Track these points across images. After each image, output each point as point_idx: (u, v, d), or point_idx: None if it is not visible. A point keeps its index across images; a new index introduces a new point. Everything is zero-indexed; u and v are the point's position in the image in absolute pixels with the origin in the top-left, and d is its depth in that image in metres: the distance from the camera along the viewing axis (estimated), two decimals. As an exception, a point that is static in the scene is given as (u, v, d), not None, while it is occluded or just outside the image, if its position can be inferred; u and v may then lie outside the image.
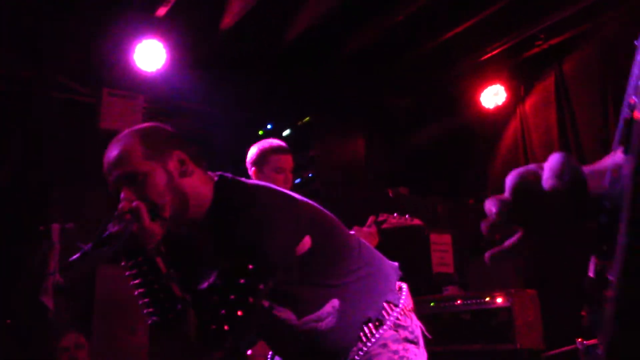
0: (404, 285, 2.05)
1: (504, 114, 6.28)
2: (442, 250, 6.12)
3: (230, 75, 5.57)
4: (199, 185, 1.82)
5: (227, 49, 5.33)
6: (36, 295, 3.78)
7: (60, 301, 4.03)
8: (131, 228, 1.67)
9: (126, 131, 1.84)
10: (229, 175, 1.89)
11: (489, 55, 5.73)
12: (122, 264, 1.74)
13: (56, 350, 4.28)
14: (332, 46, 5.55)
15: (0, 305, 4.70)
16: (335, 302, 1.87)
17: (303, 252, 1.81)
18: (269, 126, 6.20)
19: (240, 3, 4.79)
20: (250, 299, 1.67)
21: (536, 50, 5.63)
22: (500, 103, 6.15)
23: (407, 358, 1.88)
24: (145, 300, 1.70)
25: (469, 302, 5.12)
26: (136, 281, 1.71)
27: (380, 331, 1.88)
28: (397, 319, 1.91)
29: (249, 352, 3.28)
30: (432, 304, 5.40)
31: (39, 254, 3.95)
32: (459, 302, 5.19)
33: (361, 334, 1.88)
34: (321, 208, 1.99)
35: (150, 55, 5.13)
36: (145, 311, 1.71)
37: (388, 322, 1.89)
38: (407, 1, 4.87)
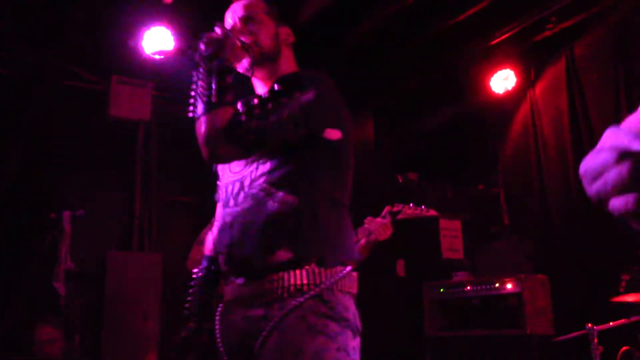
0: (348, 268, 1.87)
1: (514, 98, 6.25)
2: (451, 236, 6.12)
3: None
4: (289, 57, 2.13)
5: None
6: (48, 281, 3.81)
7: (72, 287, 4.07)
8: (224, 40, 1.87)
9: None
10: None
11: (499, 39, 5.68)
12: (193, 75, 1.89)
13: (33, 343, 4.24)
14: (341, 30, 5.53)
15: (12, 292, 4.74)
16: (294, 201, 1.81)
17: (327, 138, 1.89)
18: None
19: (248, -11, 4.77)
20: (285, 114, 1.77)
21: (547, 34, 5.57)
22: (510, 88, 6.11)
23: (326, 334, 1.72)
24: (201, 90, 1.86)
25: (478, 287, 5.13)
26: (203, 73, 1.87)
27: (300, 299, 1.74)
28: (323, 290, 1.77)
29: None
30: (441, 290, 5.41)
31: (50, 240, 3.98)
32: (468, 287, 5.20)
33: (283, 274, 1.77)
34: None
35: (158, 41, 5.12)
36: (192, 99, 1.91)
37: (312, 292, 1.75)
38: (416, -15, 4.83)
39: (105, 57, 5.50)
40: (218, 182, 2.11)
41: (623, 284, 4.10)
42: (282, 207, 1.81)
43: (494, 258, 5.59)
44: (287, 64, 2.10)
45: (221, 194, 2.03)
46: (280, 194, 1.82)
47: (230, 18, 2.11)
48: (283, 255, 1.78)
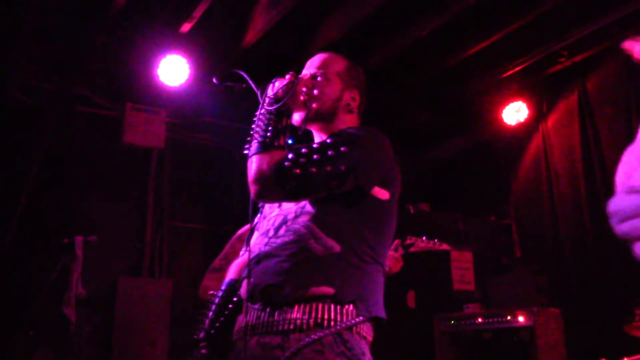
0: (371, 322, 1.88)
1: (526, 130, 6.25)
2: (463, 267, 6.07)
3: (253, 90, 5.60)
4: (350, 123, 2.15)
5: (249, 65, 5.36)
6: (58, 308, 3.81)
7: (82, 313, 4.06)
8: (291, 87, 1.96)
9: (343, 56, 2.28)
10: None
11: (512, 71, 5.71)
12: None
13: None
14: (355, 60, 5.57)
15: (22, 317, 4.74)
16: (336, 247, 1.83)
17: (375, 196, 1.92)
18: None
19: (263, 20, 4.83)
20: (329, 168, 1.79)
21: (559, 67, 5.60)
22: (522, 120, 6.11)
23: None
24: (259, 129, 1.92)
25: (490, 320, 5.07)
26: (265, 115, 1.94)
27: (320, 333, 1.73)
28: (344, 330, 1.75)
29: None
30: (452, 322, 5.35)
31: (61, 265, 3.98)
32: (480, 320, 5.14)
33: (307, 307, 1.76)
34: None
35: (174, 70, 5.18)
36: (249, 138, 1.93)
37: (332, 329, 1.74)
38: (431, 16, 4.87)
39: (120, 83, 5.57)
40: (261, 212, 2.13)
41: (637, 317, 4.05)
42: (325, 251, 1.83)
43: (505, 290, 5.54)
44: (344, 126, 2.11)
45: (261, 224, 2.04)
46: (325, 238, 1.84)
47: (306, 68, 2.19)
48: (322, 290, 1.78)
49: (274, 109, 1.91)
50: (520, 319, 4.86)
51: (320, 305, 1.76)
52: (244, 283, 1.92)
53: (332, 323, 1.75)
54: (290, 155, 1.81)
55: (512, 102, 6.10)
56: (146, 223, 5.81)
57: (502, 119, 6.18)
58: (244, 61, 5.23)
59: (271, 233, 1.93)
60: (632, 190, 0.76)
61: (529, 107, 6.08)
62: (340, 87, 2.14)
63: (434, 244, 3.61)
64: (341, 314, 1.77)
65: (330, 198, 1.88)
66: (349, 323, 1.76)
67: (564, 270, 5.59)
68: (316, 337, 1.72)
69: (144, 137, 5.57)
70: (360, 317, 1.79)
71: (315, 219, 1.87)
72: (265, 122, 1.90)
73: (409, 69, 5.80)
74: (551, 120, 6.09)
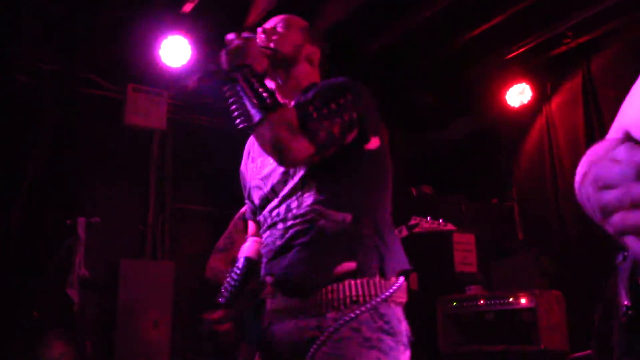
0: (401, 279, 1.84)
1: (529, 112, 6.22)
2: (465, 249, 6.08)
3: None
4: (313, 76, 2.10)
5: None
6: (62, 289, 3.82)
7: (86, 295, 4.08)
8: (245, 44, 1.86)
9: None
10: None
11: (515, 53, 5.68)
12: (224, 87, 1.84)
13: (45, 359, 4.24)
14: (357, 43, 5.54)
15: (26, 298, 4.76)
16: (348, 217, 1.79)
17: (369, 149, 1.87)
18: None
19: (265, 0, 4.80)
20: (342, 118, 1.76)
21: (563, 48, 5.56)
22: (525, 101, 6.09)
23: (380, 349, 1.68)
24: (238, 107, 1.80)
25: (492, 302, 5.08)
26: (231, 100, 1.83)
27: (357, 310, 1.70)
28: (380, 303, 1.73)
29: None
30: (454, 304, 5.36)
31: (65, 247, 3.99)
32: (482, 302, 5.15)
33: (339, 286, 1.74)
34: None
35: (175, 51, 5.15)
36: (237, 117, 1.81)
37: (368, 304, 1.71)
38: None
39: (121, 65, 5.54)
40: (264, 208, 2.03)
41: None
42: (336, 225, 1.78)
43: (508, 272, 5.55)
44: (308, 79, 2.06)
45: (267, 219, 1.96)
46: (332, 212, 1.79)
47: (265, 24, 2.13)
48: (345, 267, 1.75)
49: (248, 72, 1.79)
50: (523, 300, 4.87)
51: (347, 283, 1.73)
52: (267, 279, 1.90)
53: (368, 298, 1.72)
54: (302, 111, 1.75)
55: (516, 84, 6.07)
56: (148, 205, 5.81)
57: (505, 101, 6.16)
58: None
59: (280, 226, 1.88)
60: (612, 159, 0.73)
61: (532, 89, 6.06)
62: (301, 38, 2.09)
63: (439, 224, 3.61)
64: (370, 286, 1.74)
65: (326, 167, 1.82)
66: (383, 296, 1.73)
67: (566, 252, 5.60)
68: (353, 315, 1.70)
69: (146, 119, 5.55)
70: (392, 288, 1.76)
71: (318, 197, 1.81)
72: (251, 87, 1.77)
73: (412, 51, 5.77)
74: (555, 102, 6.07)
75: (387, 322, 1.72)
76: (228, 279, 2.08)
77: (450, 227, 3.64)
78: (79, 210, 4.64)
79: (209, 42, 5.32)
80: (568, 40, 5.44)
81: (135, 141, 5.83)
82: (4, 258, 4.76)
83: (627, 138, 0.96)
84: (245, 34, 1.90)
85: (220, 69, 1.86)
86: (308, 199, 1.83)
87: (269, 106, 1.73)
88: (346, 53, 5.61)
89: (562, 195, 5.77)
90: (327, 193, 1.82)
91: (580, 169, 0.88)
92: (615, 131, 1.02)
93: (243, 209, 3.21)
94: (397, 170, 1.95)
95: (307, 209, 1.82)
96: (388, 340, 1.70)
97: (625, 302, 0.86)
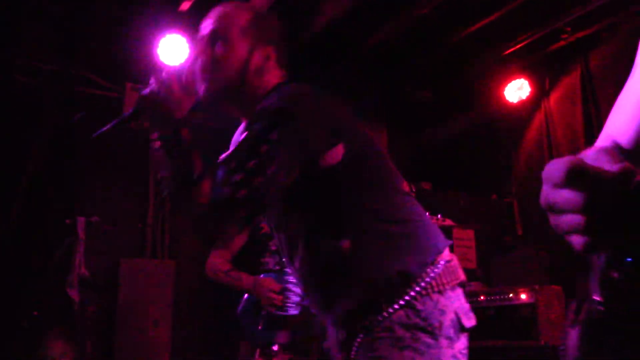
0: (443, 261, 1.65)
1: (528, 108, 6.22)
2: (465, 245, 6.08)
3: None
4: (267, 82, 1.80)
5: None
6: (62, 288, 3.82)
7: (86, 294, 4.08)
8: (159, 92, 1.63)
9: (249, 3, 1.87)
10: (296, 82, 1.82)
11: (514, 49, 5.67)
12: (151, 135, 1.67)
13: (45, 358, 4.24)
14: (356, 39, 5.53)
15: (26, 298, 4.76)
16: (346, 243, 1.63)
17: (334, 162, 1.62)
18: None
19: (262, -3, 4.79)
20: (272, 168, 1.49)
21: (562, 43, 5.56)
22: (524, 97, 6.09)
23: (416, 349, 1.55)
24: (165, 167, 1.63)
25: (492, 297, 5.08)
26: (158, 147, 1.65)
27: (389, 309, 1.58)
28: (415, 298, 1.58)
29: (276, 347, 3.29)
30: (454, 300, 5.37)
31: (64, 247, 3.99)
32: (482, 297, 5.16)
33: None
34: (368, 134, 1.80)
35: (174, 49, 5.15)
36: (162, 180, 1.65)
37: (401, 301, 1.58)
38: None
39: (119, 64, 5.54)
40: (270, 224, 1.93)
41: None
42: (343, 254, 1.63)
43: (507, 268, 5.55)
44: (265, 86, 1.80)
45: (278, 243, 1.87)
46: (334, 244, 1.64)
47: (202, 28, 1.84)
48: (344, 305, 1.66)
49: (166, 130, 1.60)
50: (522, 296, 4.87)
51: (375, 299, 1.61)
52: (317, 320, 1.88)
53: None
54: (220, 177, 1.53)
55: (514, 79, 6.06)
56: (148, 204, 5.81)
57: (504, 97, 6.15)
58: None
59: (294, 265, 1.78)
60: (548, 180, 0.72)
61: (531, 84, 6.05)
62: (246, 46, 1.77)
63: (437, 219, 3.61)
64: (398, 291, 1.60)
65: (296, 203, 1.67)
66: (413, 292, 1.59)
67: (566, 247, 5.59)
68: (386, 314, 1.58)
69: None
70: (416, 289, 1.59)
71: (306, 228, 1.69)
72: (165, 157, 1.60)
73: (410, 48, 5.76)
74: (553, 98, 6.07)
75: (424, 319, 1.57)
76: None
77: (449, 222, 3.64)
78: (78, 210, 4.65)
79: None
80: (566, 35, 5.43)
81: (134, 140, 5.82)
82: (3, 258, 4.76)
83: (614, 147, 0.96)
84: (165, 73, 1.66)
85: (137, 114, 1.68)
86: (301, 239, 1.73)
87: (179, 182, 1.60)
88: (343, 51, 5.61)
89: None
90: (313, 222, 1.70)
91: None
92: (602, 139, 1.03)
93: None
94: (396, 167, 1.87)
95: (305, 250, 1.74)
96: (425, 337, 1.56)
97: (596, 298, 0.86)
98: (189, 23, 5.14)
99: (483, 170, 6.82)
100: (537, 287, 4.84)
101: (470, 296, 5.25)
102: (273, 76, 1.83)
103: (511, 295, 4.95)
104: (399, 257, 1.63)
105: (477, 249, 6.19)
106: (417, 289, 1.59)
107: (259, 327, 3.48)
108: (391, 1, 5.02)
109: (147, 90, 1.66)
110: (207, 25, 1.81)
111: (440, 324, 1.58)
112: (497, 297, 5.04)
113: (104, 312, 5.12)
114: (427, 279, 1.61)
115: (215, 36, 1.77)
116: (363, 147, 1.72)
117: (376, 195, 1.69)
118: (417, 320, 1.57)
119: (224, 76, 1.76)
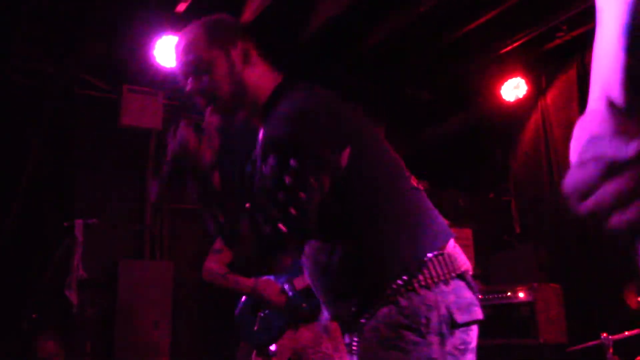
0: (431, 254, 1.62)
1: (525, 107, 6.24)
2: (463, 244, 6.06)
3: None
4: (261, 77, 1.83)
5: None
6: (61, 290, 3.82)
7: (85, 296, 4.07)
8: (183, 145, 1.68)
9: (193, 23, 1.91)
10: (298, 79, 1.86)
11: (510, 47, 5.68)
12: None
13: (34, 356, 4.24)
14: (353, 38, 5.54)
15: (25, 300, 4.76)
16: (351, 244, 1.65)
17: (342, 166, 1.64)
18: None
19: (259, -2, 4.79)
20: (302, 195, 1.46)
21: (558, 42, 5.57)
22: (521, 96, 6.10)
23: (401, 348, 1.53)
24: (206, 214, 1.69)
25: (490, 296, 5.09)
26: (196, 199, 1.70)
27: (376, 306, 1.58)
28: (400, 294, 1.57)
29: (273, 347, 3.29)
30: (453, 299, 5.38)
31: (63, 249, 3.99)
32: (480, 296, 5.17)
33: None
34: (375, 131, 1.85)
35: (170, 51, 5.14)
36: (208, 225, 1.70)
37: (380, 299, 1.58)
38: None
39: (116, 66, 5.53)
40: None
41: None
42: (345, 261, 1.66)
43: (505, 267, 5.56)
44: (256, 91, 1.82)
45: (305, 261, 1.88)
46: (337, 247, 1.67)
47: (180, 71, 1.88)
48: (350, 306, 1.66)
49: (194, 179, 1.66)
50: (521, 294, 4.88)
51: (380, 299, 1.61)
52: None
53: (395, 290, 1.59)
54: (257, 219, 1.51)
55: (511, 78, 6.08)
56: (146, 205, 5.80)
57: (500, 96, 6.16)
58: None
59: (306, 269, 1.83)
60: (583, 162, 0.70)
61: (527, 83, 6.06)
62: (223, 57, 1.80)
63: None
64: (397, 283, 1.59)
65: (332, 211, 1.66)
66: (396, 287, 1.58)
67: (564, 245, 5.61)
68: (368, 315, 1.60)
69: (141, 119, 5.54)
70: (394, 286, 1.58)
71: (315, 253, 1.73)
72: (203, 200, 1.66)
73: (407, 47, 5.76)
74: (550, 96, 6.08)
75: (407, 317, 1.55)
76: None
77: (446, 222, 3.63)
78: (77, 211, 4.64)
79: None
80: (562, 34, 5.44)
81: (131, 142, 5.82)
82: (2, 259, 4.75)
83: (610, 106, 0.93)
84: (179, 133, 1.70)
85: (171, 178, 1.72)
86: (310, 259, 1.79)
87: (224, 233, 1.67)
88: (340, 51, 5.61)
89: (558, 188, 5.78)
90: (325, 227, 1.68)
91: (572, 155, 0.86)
92: (595, 100, 0.99)
93: None
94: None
95: (315, 268, 1.78)
96: (411, 336, 1.53)
97: None
98: (186, 24, 5.14)
99: (481, 169, 6.83)
100: (535, 285, 4.86)
101: (469, 295, 5.28)
102: (265, 70, 1.86)
103: (509, 293, 4.96)
104: (412, 239, 1.65)
105: (475, 248, 6.19)
106: (398, 284, 1.57)
107: (255, 328, 3.49)
108: (387, 1, 5.02)
109: (169, 156, 1.70)
110: (183, 65, 1.86)
111: (428, 320, 1.55)
112: (496, 295, 5.05)
113: (103, 314, 5.12)
114: (408, 275, 1.58)
115: (196, 71, 1.82)
116: (369, 146, 1.76)
117: (383, 192, 1.73)
118: (400, 318, 1.55)
119: (224, 96, 1.80)
